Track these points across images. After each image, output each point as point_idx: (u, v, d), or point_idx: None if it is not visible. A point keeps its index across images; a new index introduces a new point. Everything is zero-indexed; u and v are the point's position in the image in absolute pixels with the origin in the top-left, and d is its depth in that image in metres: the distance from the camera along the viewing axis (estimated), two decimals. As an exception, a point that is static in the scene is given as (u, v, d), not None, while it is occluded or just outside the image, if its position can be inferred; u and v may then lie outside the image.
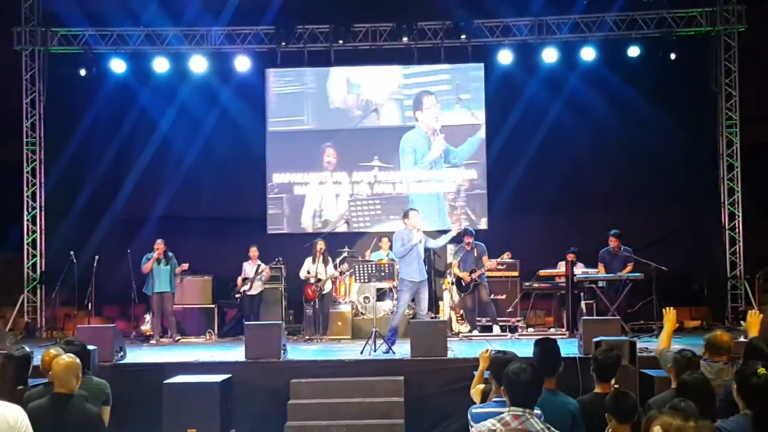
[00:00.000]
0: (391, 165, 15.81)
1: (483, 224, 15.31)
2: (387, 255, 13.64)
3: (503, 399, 4.83)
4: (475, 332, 12.98)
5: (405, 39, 15.39)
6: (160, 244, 13.42)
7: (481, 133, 15.65)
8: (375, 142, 15.88)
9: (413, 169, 15.79)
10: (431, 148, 15.75)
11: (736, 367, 6.01)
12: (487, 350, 6.23)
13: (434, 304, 13.58)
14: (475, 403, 5.98)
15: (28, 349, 6.43)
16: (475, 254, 13.19)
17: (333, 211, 15.87)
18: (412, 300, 11.34)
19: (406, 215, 11.44)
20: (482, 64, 15.68)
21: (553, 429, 4.34)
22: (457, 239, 12.99)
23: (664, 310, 6.84)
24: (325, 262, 13.56)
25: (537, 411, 4.81)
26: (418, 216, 11.42)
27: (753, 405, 4.52)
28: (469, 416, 4.96)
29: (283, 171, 15.93)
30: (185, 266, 13.49)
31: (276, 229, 15.85)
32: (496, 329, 13.02)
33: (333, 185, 15.91)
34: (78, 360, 5.43)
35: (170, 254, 13.51)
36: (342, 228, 15.50)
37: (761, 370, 4.53)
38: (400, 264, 11.33)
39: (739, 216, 15.10)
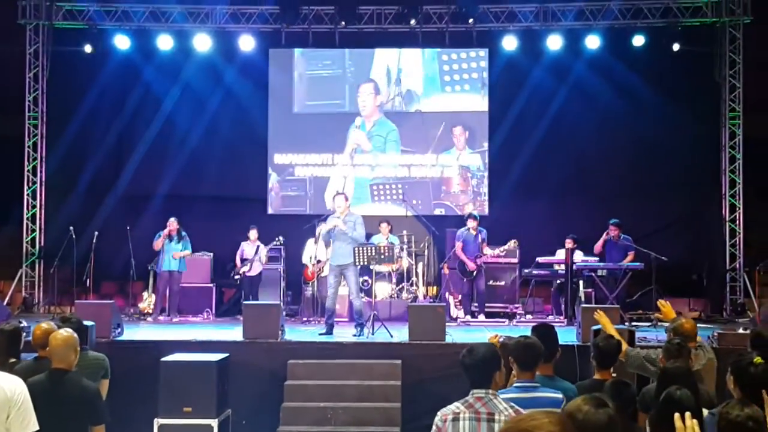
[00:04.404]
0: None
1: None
2: (386, 239, 13.63)
3: (525, 384, 4.86)
4: (469, 317, 13.02)
5: (412, 22, 15.29)
6: (172, 222, 13.41)
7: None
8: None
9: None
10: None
11: (703, 352, 6.10)
12: (496, 336, 6.17)
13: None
14: None
15: (25, 323, 6.43)
16: (479, 240, 13.20)
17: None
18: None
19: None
20: (487, 50, 15.64)
21: (517, 407, 4.33)
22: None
23: (659, 302, 6.88)
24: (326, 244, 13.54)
25: (558, 395, 4.84)
26: (337, 200, 11.55)
27: (751, 394, 4.51)
28: None
29: (286, 152, 15.94)
30: (180, 255, 13.49)
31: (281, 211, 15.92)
32: (481, 317, 13.08)
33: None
34: (76, 335, 5.42)
35: (183, 234, 13.50)
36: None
37: (758, 360, 4.48)
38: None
39: (739, 208, 15.06)
